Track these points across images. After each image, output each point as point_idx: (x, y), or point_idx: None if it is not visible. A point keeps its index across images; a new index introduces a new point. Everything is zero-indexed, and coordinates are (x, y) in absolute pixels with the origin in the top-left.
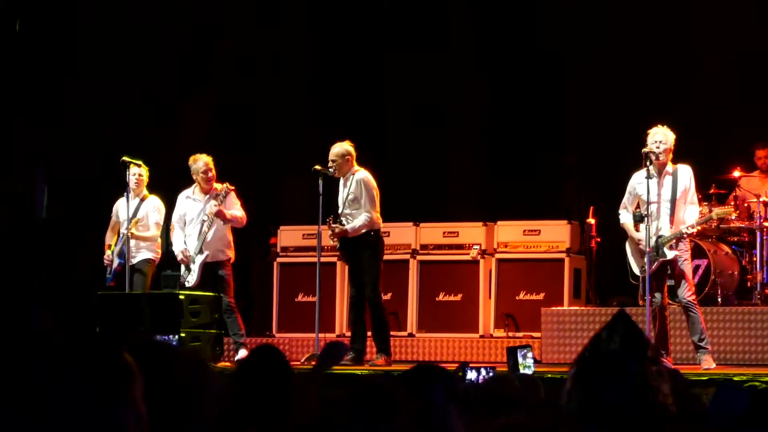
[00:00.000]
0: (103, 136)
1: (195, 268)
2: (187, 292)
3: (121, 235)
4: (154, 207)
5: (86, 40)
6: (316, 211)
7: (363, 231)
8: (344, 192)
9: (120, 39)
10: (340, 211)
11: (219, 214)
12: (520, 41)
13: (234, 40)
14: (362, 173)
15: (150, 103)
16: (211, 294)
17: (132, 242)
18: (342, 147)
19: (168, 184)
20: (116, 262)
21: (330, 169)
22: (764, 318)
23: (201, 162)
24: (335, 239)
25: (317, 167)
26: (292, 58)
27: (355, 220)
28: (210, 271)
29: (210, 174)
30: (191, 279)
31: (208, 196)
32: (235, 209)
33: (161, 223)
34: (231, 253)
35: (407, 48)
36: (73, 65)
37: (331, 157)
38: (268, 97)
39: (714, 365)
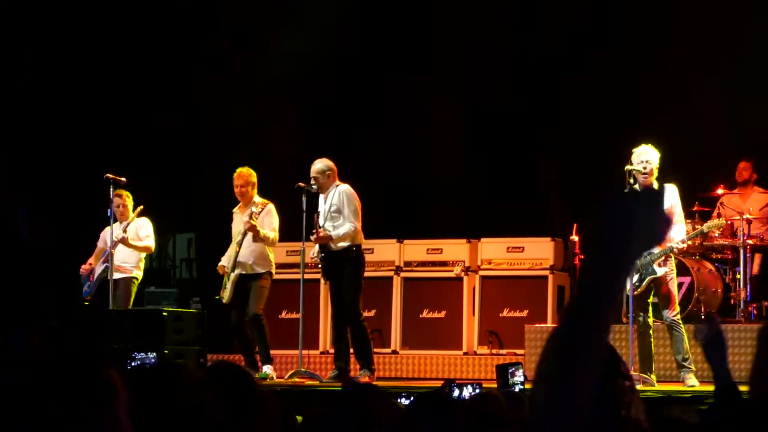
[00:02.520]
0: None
1: (228, 284)
2: (171, 309)
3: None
4: (142, 224)
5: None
6: (299, 227)
7: (346, 243)
8: (325, 205)
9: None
10: (321, 225)
11: (251, 229)
12: (504, 58)
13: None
14: (345, 186)
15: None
16: (194, 311)
17: (118, 258)
18: (324, 163)
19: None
20: (97, 271)
21: (313, 186)
22: (748, 335)
23: (234, 176)
24: (315, 256)
25: (300, 184)
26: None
27: (339, 229)
28: (243, 284)
29: (241, 188)
30: (225, 295)
31: (246, 210)
32: (268, 228)
33: (152, 235)
34: (268, 266)
35: (396, 71)
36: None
37: (313, 174)
38: (249, 113)
39: (698, 383)
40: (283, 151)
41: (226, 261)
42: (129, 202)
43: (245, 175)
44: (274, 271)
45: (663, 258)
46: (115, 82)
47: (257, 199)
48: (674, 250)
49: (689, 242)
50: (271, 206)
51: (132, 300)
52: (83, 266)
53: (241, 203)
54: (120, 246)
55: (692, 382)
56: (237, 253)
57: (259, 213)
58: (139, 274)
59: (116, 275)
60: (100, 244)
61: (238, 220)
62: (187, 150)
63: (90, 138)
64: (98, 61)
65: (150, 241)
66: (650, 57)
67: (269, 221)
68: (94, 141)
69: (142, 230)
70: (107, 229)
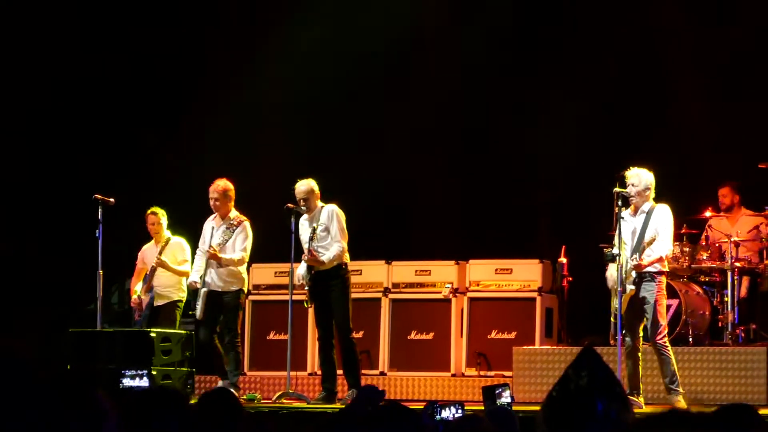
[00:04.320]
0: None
1: (199, 300)
2: (159, 330)
3: (146, 277)
4: (180, 247)
5: None
6: (287, 248)
7: (335, 264)
8: (311, 226)
9: None
10: (307, 246)
11: (213, 257)
12: (488, 80)
13: None
14: (332, 206)
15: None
16: (183, 332)
17: (158, 283)
18: (307, 184)
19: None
20: (146, 301)
21: (302, 207)
22: (735, 358)
23: (210, 187)
24: (302, 280)
25: (289, 205)
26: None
27: (329, 252)
28: (213, 301)
29: (215, 201)
30: (197, 312)
31: (222, 224)
32: (239, 247)
33: (189, 260)
34: (239, 284)
35: (382, 92)
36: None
37: (300, 195)
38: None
39: (686, 406)
40: (269, 172)
41: (196, 276)
42: (164, 220)
43: (220, 187)
44: (246, 288)
45: (636, 277)
46: (102, 100)
47: (234, 213)
48: (632, 267)
49: (641, 261)
50: (246, 224)
51: (177, 324)
52: (133, 299)
53: (216, 215)
54: (159, 269)
55: (680, 405)
56: (205, 268)
57: (234, 229)
58: (182, 296)
59: (159, 302)
60: (139, 264)
61: (209, 231)
62: (177, 168)
63: (77, 157)
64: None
65: (187, 267)
66: (642, 77)
67: (240, 241)
68: (81, 160)
69: (180, 254)
70: (146, 247)
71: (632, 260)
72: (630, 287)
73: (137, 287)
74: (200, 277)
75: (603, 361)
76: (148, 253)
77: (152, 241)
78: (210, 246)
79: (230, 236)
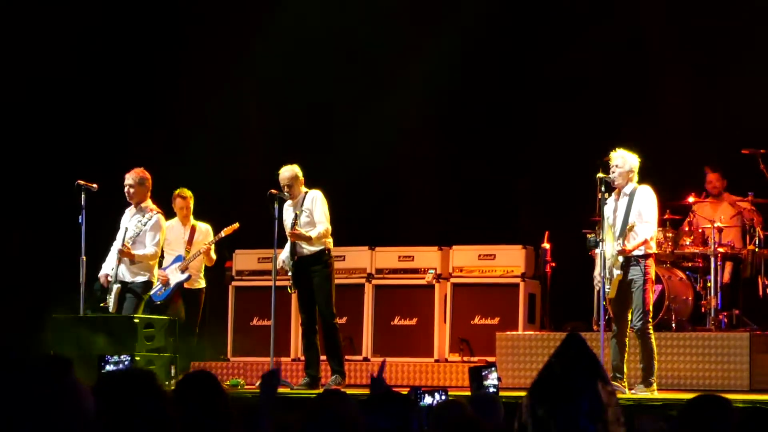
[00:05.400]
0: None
1: (111, 294)
2: (142, 316)
3: (175, 259)
4: (207, 232)
5: None
6: (270, 234)
7: (319, 246)
8: (293, 211)
9: None
10: (290, 231)
11: (126, 256)
12: (478, 68)
13: None
14: (316, 191)
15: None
16: (166, 318)
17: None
18: (291, 170)
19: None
20: (178, 278)
21: (286, 193)
22: (718, 344)
23: (127, 174)
24: (285, 264)
25: (273, 191)
26: None
27: (315, 229)
28: (123, 293)
29: (129, 188)
30: (110, 306)
31: (135, 213)
32: (149, 242)
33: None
34: (150, 276)
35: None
36: None
37: (284, 182)
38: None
39: (656, 395)
40: (253, 157)
41: (109, 269)
42: (191, 204)
43: (137, 175)
44: (154, 280)
45: (622, 261)
46: (91, 86)
47: (148, 204)
48: (617, 252)
49: (628, 246)
50: (157, 217)
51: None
52: (161, 274)
53: (132, 205)
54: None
55: (651, 395)
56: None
57: (146, 222)
58: (203, 283)
59: (187, 286)
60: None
61: (126, 221)
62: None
63: (61, 143)
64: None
65: (212, 253)
66: (625, 61)
67: (151, 236)
68: (65, 146)
69: (208, 238)
70: (169, 225)
71: (617, 244)
72: (617, 272)
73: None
74: (111, 270)
75: (588, 347)
76: (172, 231)
77: (176, 219)
78: (123, 243)
79: (141, 229)
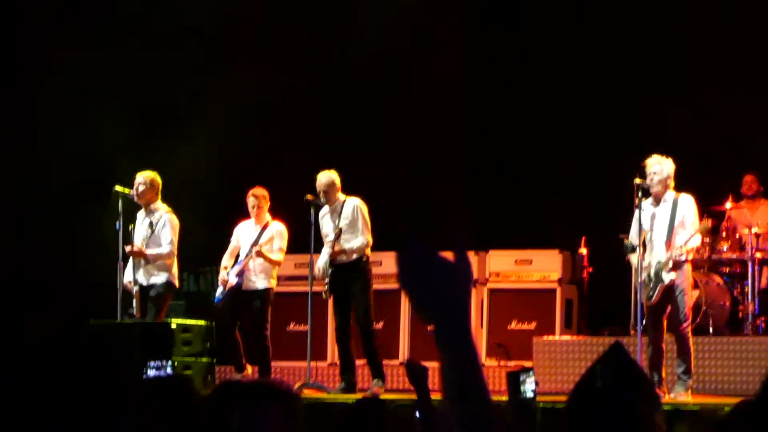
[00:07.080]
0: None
1: (134, 299)
2: (180, 321)
3: (239, 259)
4: (279, 233)
5: None
6: (307, 240)
7: (355, 256)
8: (334, 218)
9: None
10: (330, 240)
11: (139, 256)
12: (511, 68)
13: None
14: (356, 199)
15: None
16: (203, 323)
17: (252, 266)
18: (328, 176)
19: None
20: (234, 281)
21: (322, 199)
22: (755, 348)
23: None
24: (322, 271)
25: (309, 197)
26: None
27: (353, 242)
28: (143, 297)
29: (138, 187)
30: (134, 310)
31: (146, 216)
32: (164, 241)
33: (284, 248)
34: (169, 277)
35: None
36: None
37: (321, 187)
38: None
39: (691, 400)
40: (291, 164)
41: (130, 276)
42: (266, 203)
43: (148, 176)
44: (176, 281)
45: (671, 266)
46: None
47: (159, 205)
48: (674, 257)
49: (687, 248)
50: (168, 217)
51: (267, 312)
52: (221, 276)
53: (142, 207)
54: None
55: (685, 399)
56: (138, 262)
57: (156, 223)
58: (273, 283)
59: (248, 287)
60: (233, 242)
61: (140, 224)
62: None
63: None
64: None
65: (280, 256)
66: (666, 68)
67: (165, 234)
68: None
69: (278, 241)
70: (242, 225)
71: (670, 250)
72: (669, 277)
73: (228, 264)
74: (131, 275)
75: (631, 358)
76: (244, 231)
77: (251, 219)
78: (131, 243)
79: (153, 229)
